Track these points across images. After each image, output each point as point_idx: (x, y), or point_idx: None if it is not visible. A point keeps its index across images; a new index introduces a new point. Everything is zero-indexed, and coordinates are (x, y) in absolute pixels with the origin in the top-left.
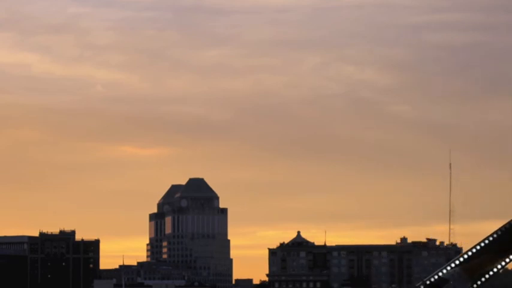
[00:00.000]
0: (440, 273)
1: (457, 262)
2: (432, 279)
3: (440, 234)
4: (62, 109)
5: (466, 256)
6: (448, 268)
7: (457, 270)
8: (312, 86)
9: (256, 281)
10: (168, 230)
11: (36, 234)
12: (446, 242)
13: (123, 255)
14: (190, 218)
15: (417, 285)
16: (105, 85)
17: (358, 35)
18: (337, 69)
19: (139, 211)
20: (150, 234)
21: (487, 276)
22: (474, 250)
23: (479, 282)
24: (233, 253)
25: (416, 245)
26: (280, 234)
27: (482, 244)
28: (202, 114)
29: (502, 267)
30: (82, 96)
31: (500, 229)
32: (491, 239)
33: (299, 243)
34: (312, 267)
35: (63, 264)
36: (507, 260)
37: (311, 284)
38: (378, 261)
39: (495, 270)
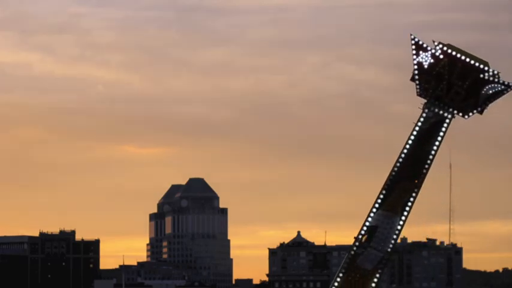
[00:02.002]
0: (367, 224)
1: (376, 206)
2: (362, 232)
3: (440, 234)
4: (63, 109)
5: (381, 197)
6: (372, 215)
7: (380, 213)
8: (313, 85)
9: (256, 281)
10: (168, 230)
11: (36, 234)
12: (446, 242)
13: (123, 255)
14: (190, 218)
15: (352, 244)
16: (106, 85)
17: (359, 35)
18: (338, 68)
19: (140, 211)
20: (150, 234)
21: (409, 204)
22: (386, 187)
23: (405, 213)
24: (233, 253)
25: (416, 245)
26: (280, 234)
27: (391, 178)
28: (203, 114)
29: (419, 190)
30: (83, 96)
31: (400, 157)
32: (396, 169)
33: (299, 243)
34: (312, 267)
35: (63, 264)
36: (420, 180)
37: (311, 284)
38: None
39: (414, 195)
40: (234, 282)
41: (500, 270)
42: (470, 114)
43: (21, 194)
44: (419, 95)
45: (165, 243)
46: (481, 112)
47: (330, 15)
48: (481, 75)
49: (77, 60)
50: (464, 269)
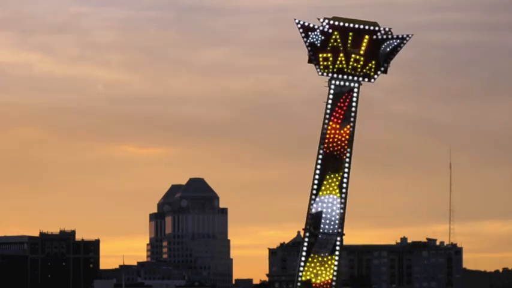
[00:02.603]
0: (312, 211)
1: (314, 193)
2: (310, 222)
3: (440, 234)
4: (63, 109)
5: (315, 182)
6: (313, 203)
7: (319, 199)
8: (313, 85)
9: (256, 281)
10: (168, 230)
11: (36, 234)
12: (446, 242)
13: (123, 255)
14: (190, 218)
15: (303, 236)
16: (106, 85)
17: None
18: None
19: (140, 211)
20: (150, 234)
21: (344, 181)
22: (317, 172)
23: (343, 191)
24: (233, 253)
25: (416, 245)
26: (280, 234)
27: (319, 161)
28: (203, 113)
29: (350, 165)
30: (83, 96)
31: (322, 138)
32: (321, 151)
33: (299, 243)
34: None
35: (63, 264)
36: (348, 156)
37: None
38: (378, 261)
39: (346, 170)
40: (234, 282)
41: (500, 270)
42: (376, 76)
43: (21, 194)
44: (322, 74)
45: (165, 243)
46: (385, 71)
47: (330, 15)
48: (374, 36)
49: (77, 60)
50: (464, 269)
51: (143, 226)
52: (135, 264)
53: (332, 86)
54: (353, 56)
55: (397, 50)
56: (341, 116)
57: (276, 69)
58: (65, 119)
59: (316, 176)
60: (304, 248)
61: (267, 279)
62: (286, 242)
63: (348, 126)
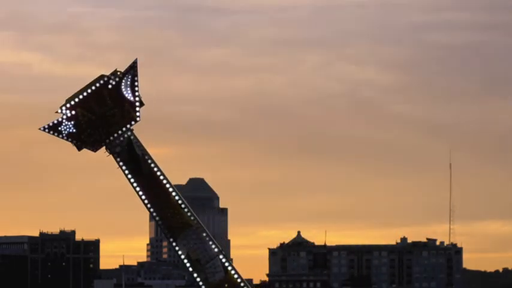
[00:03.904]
0: (183, 256)
1: (171, 239)
2: (189, 263)
3: (440, 234)
4: None
5: (164, 228)
6: (178, 247)
7: (180, 240)
8: (313, 85)
9: (256, 281)
10: None
11: (36, 234)
12: (446, 242)
13: (123, 255)
14: None
15: (196, 277)
16: None
17: (359, 35)
18: (338, 68)
19: (140, 211)
20: (150, 234)
21: (182, 206)
22: (158, 219)
23: (189, 215)
24: (233, 253)
25: (416, 245)
26: (280, 234)
27: (151, 209)
28: (203, 114)
29: (176, 191)
30: None
31: (139, 194)
32: (145, 201)
33: (299, 243)
34: (312, 267)
35: (63, 264)
36: (169, 186)
37: (311, 284)
38: (378, 261)
39: (177, 199)
40: None
41: (500, 270)
42: (138, 115)
43: (21, 194)
44: (95, 150)
45: (165, 243)
46: (141, 104)
47: (330, 15)
48: (110, 86)
49: (77, 60)
50: (464, 269)
51: (143, 226)
52: (135, 264)
53: (110, 150)
54: (108, 114)
55: (135, 80)
56: (139, 164)
57: (276, 69)
58: None
59: (160, 222)
60: (203, 284)
61: (267, 279)
62: (286, 242)
63: (150, 166)
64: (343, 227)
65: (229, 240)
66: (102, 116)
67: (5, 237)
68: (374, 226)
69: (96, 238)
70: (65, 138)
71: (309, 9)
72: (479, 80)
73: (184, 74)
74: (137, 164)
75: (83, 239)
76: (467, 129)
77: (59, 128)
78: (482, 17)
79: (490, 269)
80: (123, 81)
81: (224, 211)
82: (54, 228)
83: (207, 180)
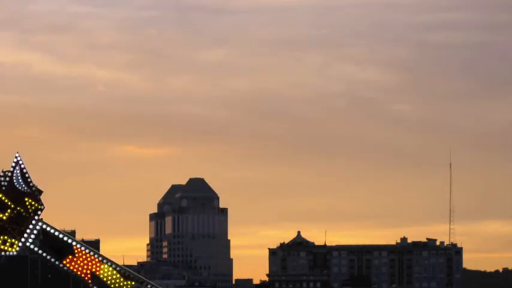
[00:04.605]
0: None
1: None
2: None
3: (440, 234)
4: (63, 109)
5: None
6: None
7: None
8: (314, 85)
9: (256, 281)
10: (169, 230)
11: None
12: (446, 242)
13: (123, 255)
14: (190, 218)
15: None
16: (106, 85)
17: (360, 34)
18: (338, 68)
19: (140, 211)
20: (150, 234)
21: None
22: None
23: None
24: (233, 253)
25: (416, 245)
26: (280, 234)
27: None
28: (203, 114)
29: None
30: (83, 96)
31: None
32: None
33: (299, 243)
34: (312, 267)
35: None
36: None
37: (311, 284)
38: (378, 261)
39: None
40: (234, 282)
41: (500, 270)
42: (42, 202)
43: None
44: (15, 252)
45: (165, 243)
46: (40, 192)
47: (330, 15)
48: (3, 188)
49: (77, 60)
50: (464, 269)
51: (143, 226)
52: (135, 264)
53: (30, 246)
54: (12, 213)
55: (25, 172)
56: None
57: (276, 69)
58: (65, 119)
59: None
60: None
61: (267, 279)
62: (286, 242)
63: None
64: (343, 227)
65: (229, 240)
66: (9, 219)
67: None
68: (374, 226)
69: (96, 238)
70: None
71: (309, 9)
72: (479, 80)
73: (184, 74)
74: (60, 250)
75: (83, 239)
76: (467, 129)
77: None
78: (482, 17)
79: (490, 269)
80: (14, 177)
81: (224, 211)
82: None
83: (207, 180)
